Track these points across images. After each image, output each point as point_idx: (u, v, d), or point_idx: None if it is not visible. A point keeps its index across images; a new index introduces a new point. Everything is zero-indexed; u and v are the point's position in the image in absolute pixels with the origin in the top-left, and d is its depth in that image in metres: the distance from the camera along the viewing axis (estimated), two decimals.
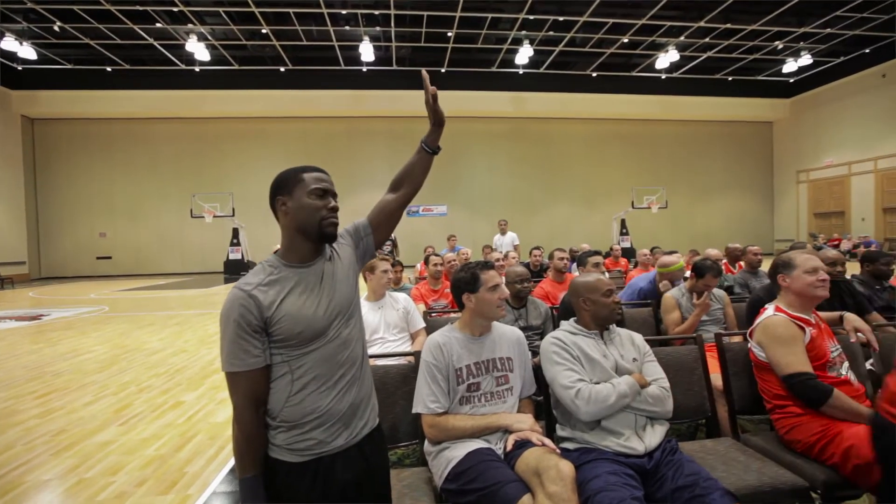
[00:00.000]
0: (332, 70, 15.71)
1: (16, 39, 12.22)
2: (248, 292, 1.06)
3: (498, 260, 4.42)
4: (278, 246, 1.26)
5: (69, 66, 14.83)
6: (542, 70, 16.19)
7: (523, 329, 2.53)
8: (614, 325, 1.82)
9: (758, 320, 1.87)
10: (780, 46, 14.55)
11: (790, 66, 15.50)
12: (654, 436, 1.60)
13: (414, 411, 1.65)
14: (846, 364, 1.81)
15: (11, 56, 13.43)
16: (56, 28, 12.18)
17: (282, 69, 15.60)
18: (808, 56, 15.00)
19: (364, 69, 15.58)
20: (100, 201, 16.69)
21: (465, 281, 1.71)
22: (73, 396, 3.78)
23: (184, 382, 4.14)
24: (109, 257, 16.85)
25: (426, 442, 1.67)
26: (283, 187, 1.16)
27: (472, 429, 1.58)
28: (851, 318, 2.00)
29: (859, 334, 1.96)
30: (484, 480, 1.41)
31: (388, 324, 2.73)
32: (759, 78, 17.60)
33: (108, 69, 15.04)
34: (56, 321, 7.66)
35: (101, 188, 16.67)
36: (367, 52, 13.34)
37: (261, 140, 17.22)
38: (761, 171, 19.71)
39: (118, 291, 12.26)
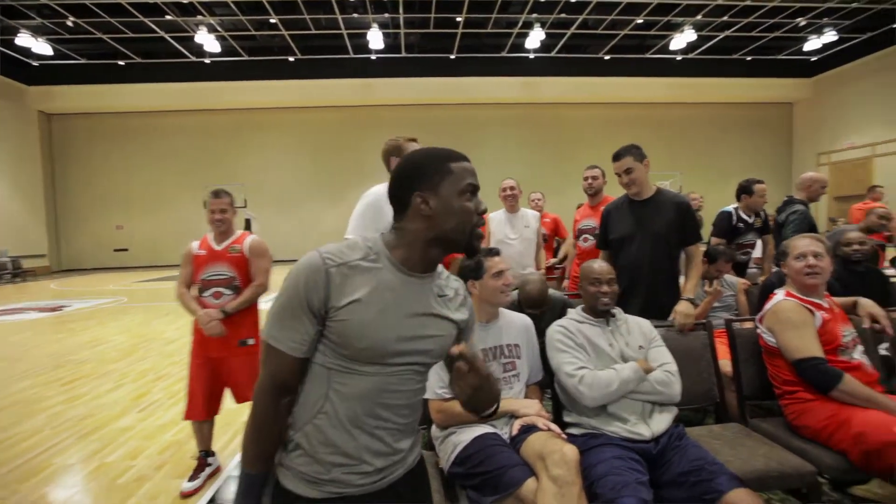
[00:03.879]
0: (341, 59, 15.63)
1: (31, 35, 12.37)
2: (327, 267, 0.85)
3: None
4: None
5: (83, 61, 15.00)
6: (553, 54, 15.87)
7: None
8: (621, 311, 1.81)
9: (767, 305, 1.85)
10: (803, 23, 14.01)
11: (813, 43, 14.88)
12: (661, 421, 1.60)
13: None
14: (860, 349, 1.77)
15: (27, 52, 13.60)
16: (69, 23, 12.29)
17: (291, 59, 15.57)
18: (833, 32, 14.40)
19: (373, 57, 15.47)
20: (116, 194, 16.98)
21: (470, 268, 1.72)
22: (95, 383, 3.91)
23: None
24: (126, 249, 17.19)
25: (433, 427, 1.69)
26: (425, 179, 0.90)
27: None
28: (866, 304, 1.96)
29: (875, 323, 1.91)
30: (490, 464, 1.43)
31: None
32: (780, 57, 16.97)
33: (121, 63, 15.17)
34: (77, 312, 7.88)
35: (116, 181, 16.94)
36: (375, 39, 13.22)
37: (270, 130, 17.28)
38: (780, 154, 19.13)
39: (136, 283, 12.55)
